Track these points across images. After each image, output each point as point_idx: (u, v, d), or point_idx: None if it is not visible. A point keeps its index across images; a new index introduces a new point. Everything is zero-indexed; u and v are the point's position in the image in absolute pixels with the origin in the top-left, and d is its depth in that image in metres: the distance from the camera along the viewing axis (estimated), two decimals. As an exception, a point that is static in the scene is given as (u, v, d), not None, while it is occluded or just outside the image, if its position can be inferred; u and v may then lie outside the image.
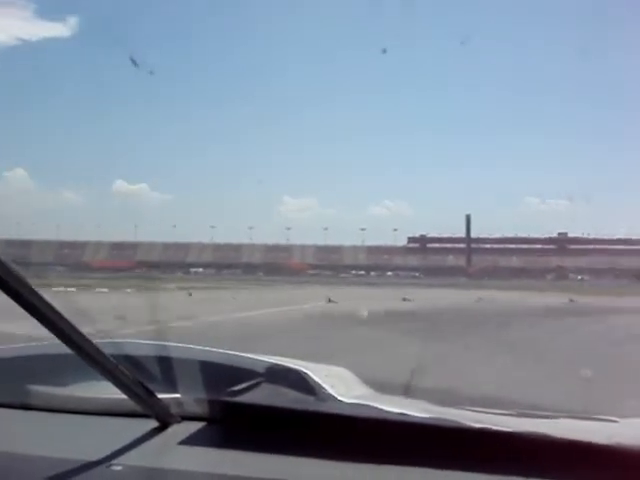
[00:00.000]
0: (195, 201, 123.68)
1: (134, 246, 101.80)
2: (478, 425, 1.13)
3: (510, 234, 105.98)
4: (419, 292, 35.35)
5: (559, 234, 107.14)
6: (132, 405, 1.28)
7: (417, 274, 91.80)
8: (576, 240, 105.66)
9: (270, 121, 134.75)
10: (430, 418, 1.16)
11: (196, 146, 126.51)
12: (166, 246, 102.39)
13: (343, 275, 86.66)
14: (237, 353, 1.49)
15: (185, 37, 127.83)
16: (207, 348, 1.52)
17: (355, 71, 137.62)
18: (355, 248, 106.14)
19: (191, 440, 1.24)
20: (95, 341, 1.18)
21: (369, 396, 1.41)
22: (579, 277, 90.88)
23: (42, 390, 1.46)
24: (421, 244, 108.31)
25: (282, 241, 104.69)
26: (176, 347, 1.49)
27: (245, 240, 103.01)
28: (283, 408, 1.25)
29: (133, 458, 1.19)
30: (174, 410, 1.31)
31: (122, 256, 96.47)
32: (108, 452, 1.19)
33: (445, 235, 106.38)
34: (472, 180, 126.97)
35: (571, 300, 29.47)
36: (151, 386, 1.28)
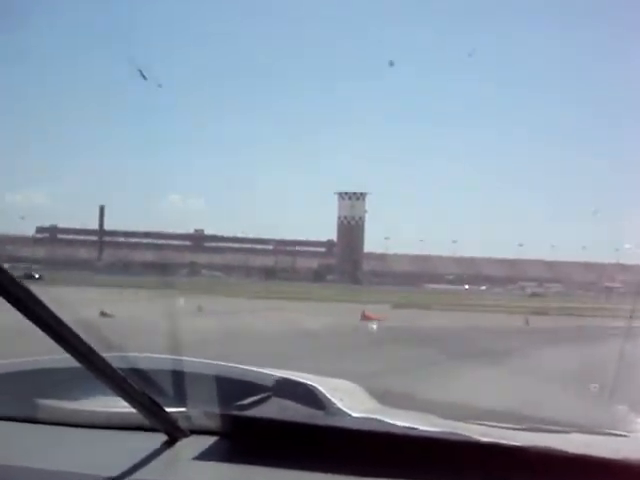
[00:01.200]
0: None
1: None
2: (487, 439, 1.14)
3: (148, 229, 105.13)
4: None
5: (195, 231, 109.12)
6: (141, 419, 1.28)
7: (38, 267, 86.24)
8: (212, 238, 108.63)
9: None
10: (439, 432, 1.18)
11: None
12: None
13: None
14: (246, 367, 1.51)
15: None
16: (216, 362, 1.54)
17: None
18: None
19: (200, 454, 1.24)
20: (103, 354, 1.17)
21: (378, 410, 1.43)
22: (215, 273, 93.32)
23: (50, 404, 1.47)
24: (51, 235, 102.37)
25: None
26: (185, 361, 1.50)
27: None
28: (292, 422, 1.26)
29: (142, 472, 1.19)
30: (183, 424, 1.31)
31: None
32: (116, 466, 1.19)
33: (78, 227, 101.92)
34: (111, 173, 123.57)
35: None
36: (160, 400, 1.27)
